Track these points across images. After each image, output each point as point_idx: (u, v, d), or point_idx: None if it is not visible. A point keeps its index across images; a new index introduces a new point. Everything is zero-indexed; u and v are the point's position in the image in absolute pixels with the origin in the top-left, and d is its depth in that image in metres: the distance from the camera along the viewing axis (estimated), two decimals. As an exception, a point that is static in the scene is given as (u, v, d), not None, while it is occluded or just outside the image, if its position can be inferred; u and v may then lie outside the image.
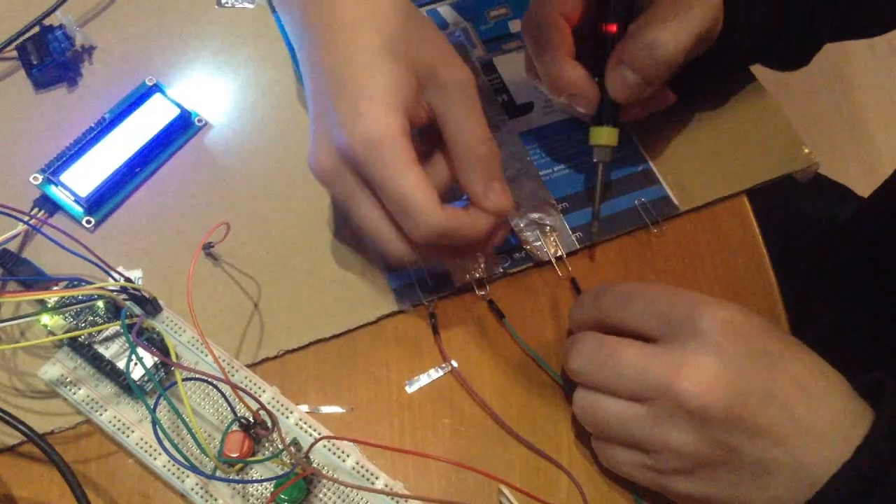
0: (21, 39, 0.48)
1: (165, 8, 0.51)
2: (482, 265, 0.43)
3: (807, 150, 0.47)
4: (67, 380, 0.39)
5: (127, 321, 0.37)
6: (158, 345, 0.39)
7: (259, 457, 0.37)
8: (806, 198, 0.66)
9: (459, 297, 0.43)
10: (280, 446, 0.36)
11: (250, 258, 0.43)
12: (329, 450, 0.38)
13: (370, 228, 0.38)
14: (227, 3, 0.51)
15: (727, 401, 0.33)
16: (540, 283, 0.44)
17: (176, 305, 0.41)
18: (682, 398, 0.33)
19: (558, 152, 0.47)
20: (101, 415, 0.39)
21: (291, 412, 0.39)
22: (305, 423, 0.39)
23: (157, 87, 0.47)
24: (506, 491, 0.38)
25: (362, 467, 0.38)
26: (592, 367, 0.36)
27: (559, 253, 0.44)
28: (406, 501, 0.37)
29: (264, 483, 0.37)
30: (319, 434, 0.38)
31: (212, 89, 0.48)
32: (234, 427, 0.37)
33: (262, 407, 0.36)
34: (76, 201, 0.44)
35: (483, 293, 0.43)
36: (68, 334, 0.39)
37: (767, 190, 0.47)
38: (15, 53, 0.48)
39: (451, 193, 0.40)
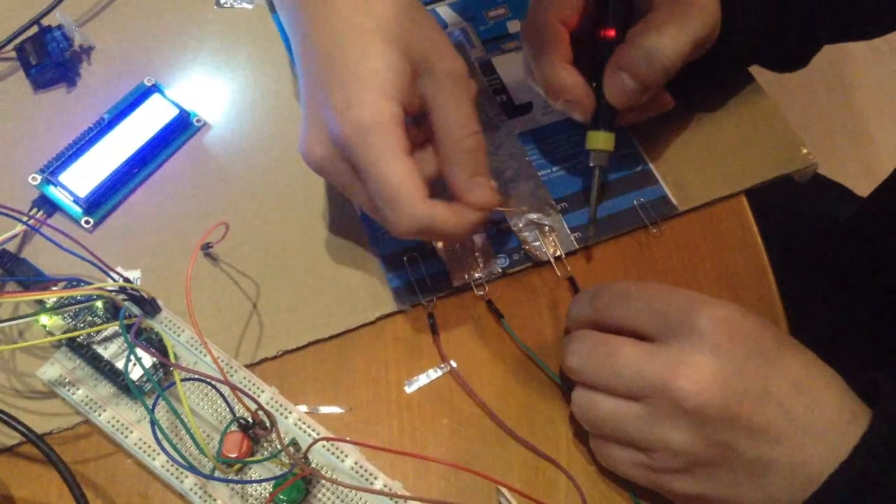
0: (19, 39, 0.48)
1: (164, 8, 0.51)
2: (481, 265, 0.43)
3: (805, 151, 0.47)
4: (66, 380, 0.39)
5: (125, 321, 0.37)
6: (157, 345, 0.39)
7: (258, 457, 0.37)
8: (805, 198, 0.66)
9: (458, 297, 0.43)
10: (279, 446, 0.36)
11: (249, 258, 0.43)
12: (328, 450, 0.38)
13: (370, 211, 0.39)
14: (225, 3, 0.51)
15: (724, 399, 0.33)
16: (539, 283, 0.44)
17: (174, 305, 0.41)
18: (678, 397, 0.33)
19: (557, 152, 0.47)
20: (99, 415, 0.39)
21: (290, 412, 0.39)
22: (304, 423, 0.39)
23: (155, 88, 0.47)
24: (505, 492, 0.38)
25: (361, 467, 0.38)
26: (590, 365, 0.36)
27: (558, 253, 0.44)
28: (405, 502, 0.37)
29: (263, 483, 0.37)
30: (318, 434, 0.38)
31: (210, 89, 0.48)
32: (233, 427, 0.37)
33: (261, 407, 0.36)
34: (75, 201, 0.44)
35: (482, 293, 0.43)
36: (67, 335, 0.39)
37: (766, 190, 0.47)
38: (13, 54, 0.48)
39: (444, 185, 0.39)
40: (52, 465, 0.35)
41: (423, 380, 0.41)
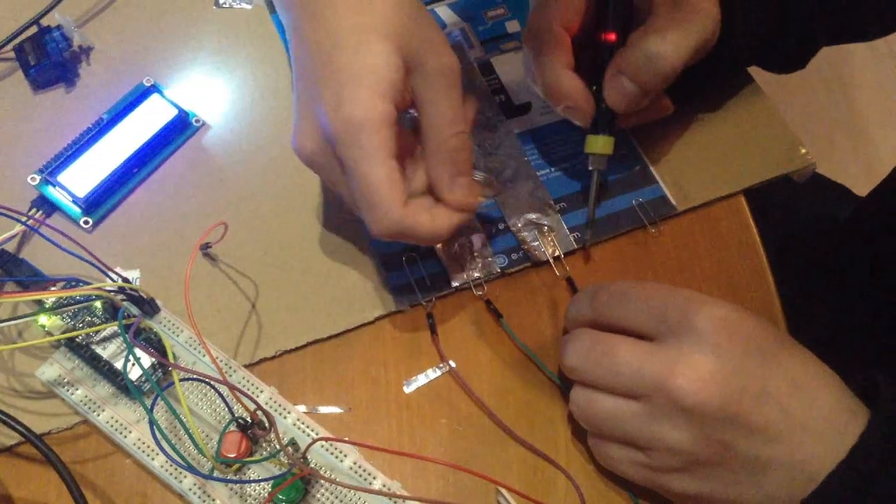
0: (18, 40, 0.48)
1: (163, 8, 0.51)
2: (479, 265, 0.43)
3: (804, 151, 0.47)
4: (65, 380, 0.39)
5: (124, 321, 0.37)
6: (156, 345, 0.39)
7: (256, 457, 0.37)
8: (804, 197, 0.66)
9: (457, 296, 0.43)
10: (277, 446, 0.36)
11: (248, 258, 0.43)
12: (327, 450, 0.38)
13: (354, 206, 0.38)
14: (224, 3, 0.51)
15: (722, 398, 0.33)
16: (538, 283, 0.44)
17: (173, 306, 0.41)
18: (677, 395, 0.33)
19: (556, 152, 0.47)
20: (98, 415, 0.39)
21: (289, 412, 0.39)
22: (303, 423, 0.39)
23: (154, 88, 0.47)
24: (504, 492, 0.38)
25: (360, 467, 0.38)
26: (588, 363, 0.36)
27: (557, 253, 0.44)
28: (404, 502, 0.37)
29: (262, 483, 0.37)
30: (317, 434, 0.38)
31: (209, 90, 0.49)
32: (232, 427, 0.37)
33: (260, 407, 0.36)
34: (74, 202, 0.44)
35: (481, 293, 0.43)
36: (66, 335, 0.39)
37: (765, 190, 0.47)
38: (12, 54, 0.48)
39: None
40: (51, 465, 0.35)
41: (421, 380, 0.41)
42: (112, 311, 0.40)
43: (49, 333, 0.40)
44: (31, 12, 0.48)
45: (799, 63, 0.49)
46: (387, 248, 0.43)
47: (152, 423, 0.34)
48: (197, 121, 0.47)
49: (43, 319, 0.39)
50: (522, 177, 0.46)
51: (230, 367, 0.40)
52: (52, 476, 0.36)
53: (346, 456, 0.38)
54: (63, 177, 0.44)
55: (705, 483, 0.35)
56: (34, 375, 0.39)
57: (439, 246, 0.43)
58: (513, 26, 0.51)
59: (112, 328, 0.39)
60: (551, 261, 0.44)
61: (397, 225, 0.36)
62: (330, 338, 0.42)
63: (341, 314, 0.42)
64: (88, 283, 0.40)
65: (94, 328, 0.39)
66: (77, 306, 0.40)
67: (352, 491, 0.37)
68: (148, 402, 0.36)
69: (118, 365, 0.39)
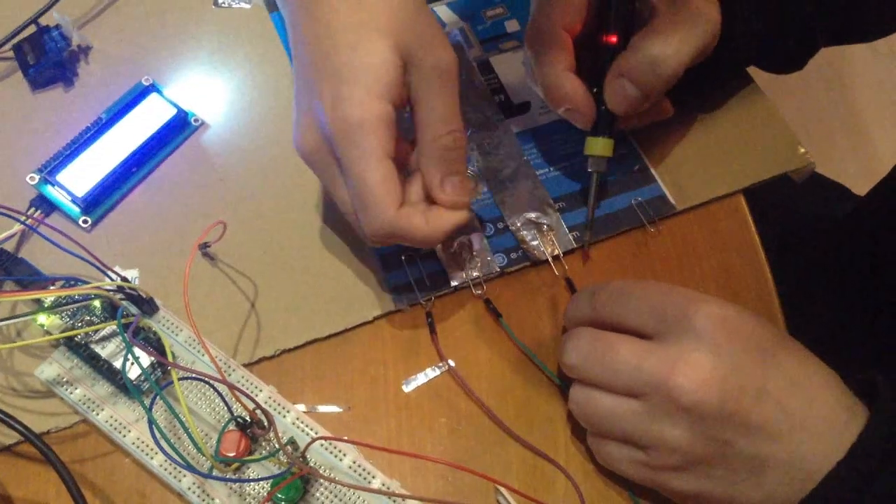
0: (17, 39, 0.48)
1: (162, 8, 0.51)
2: (479, 264, 0.43)
3: (803, 150, 0.47)
4: (64, 379, 0.39)
5: (123, 321, 0.36)
6: (155, 344, 0.39)
7: (256, 456, 0.37)
8: (803, 197, 0.66)
9: (456, 296, 0.43)
10: (277, 445, 0.36)
11: (247, 258, 0.43)
12: (326, 449, 0.38)
13: (343, 210, 0.38)
14: (223, 3, 0.51)
15: (721, 397, 0.33)
16: (537, 283, 0.44)
17: (172, 305, 0.41)
18: (676, 394, 0.33)
19: (555, 152, 0.47)
20: (97, 414, 0.39)
21: (288, 411, 0.39)
22: (302, 422, 0.39)
23: (153, 87, 0.47)
24: (503, 491, 0.38)
25: (359, 466, 0.38)
26: (588, 362, 0.36)
27: (556, 252, 0.44)
28: (403, 501, 0.37)
29: (261, 482, 0.37)
30: (316, 433, 0.38)
31: (208, 89, 0.49)
32: (231, 426, 0.37)
33: (259, 406, 0.36)
34: (73, 201, 0.44)
35: (480, 292, 0.43)
36: (65, 334, 0.39)
37: (765, 189, 0.47)
38: (11, 53, 0.48)
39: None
40: (50, 465, 0.35)
41: (421, 379, 0.41)
42: (111, 311, 0.40)
43: (48, 332, 0.40)
44: (29, 12, 0.48)
45: (798, 64, 0.49)
46: (386, 247, 0.43)
47: (151, 422, 0.34)
48: (196, 120, 0.47)
49: (42, 319, 0.39)
50: (522, 176, 0.46)
51: (229, 367, 0.40)
52: (52, 475, 0.36)
53: (345, 455, 0.38)
54: (62, 176, 0.44)
55: (704, 482, 0.35)
56: (33, 375, 0.39)
57: (438, 245, 0.43)
58: (512, 26, 0.51)
59: (111, 327, 0.39)
60: (550, 260, 0.44)
61: (390, 226, 0.36)
62: (329, 337, 0.42)
63: (340, 313, 0.42)
64: (87, 283, 0.40)
65: (92, 327, 0.39)
66: (76, 305, 0.40)
67: (351, 490, 0.37)
68: (147, 402, 0.36)
69: (117, 364, 0.39)
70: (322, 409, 0.40)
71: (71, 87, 0.48)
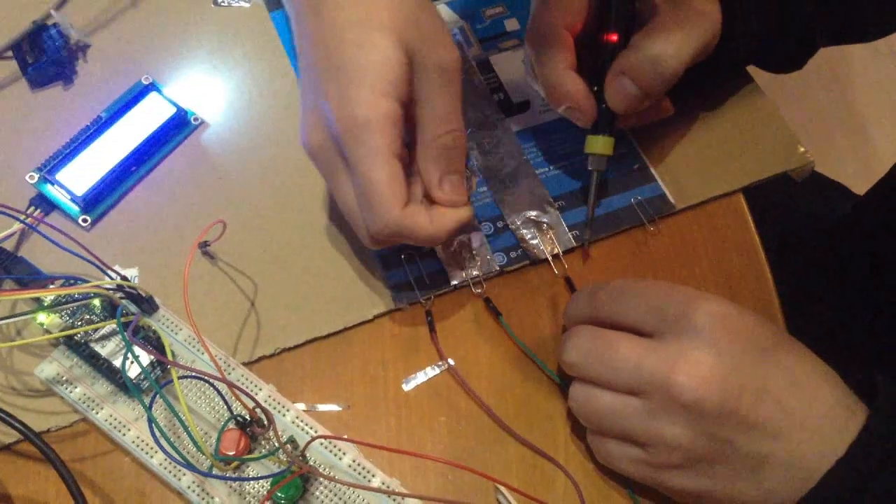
0: (17, 38, 0.48)
1: (161, 6, 0.51)
2: (478, 263, 0.43)
3: (802, 149, 0.47)
4: (64, 378, 0.39)
5: (123, 319, 0.36)
6: (154, 343, 0.39)
7: (255, 454, 0.37)
8: (803, 196, 0.66)
9: (456, 295, 0.43)
10: (276, 444, 0.36)
11: (247, 256, 0.43)
12: (325, 447, 0.38)
13: (345, 209, 0.38)
14: (223, 2, 0.51)
15: (721, 395, 0.33)
16: (537, 281, 0.44)
17: (172, 304, 0.41)
18: (676, 392, 0.33)
19: (555, 150, 0.47)
20: (97, 413, 0.39)
21: (288, 410, 0.39)
22: (302, 420, 0.39)
23: (153, 86, 0.47)
24: (503, 489, 0.38)
25: (359, 465, 0.38)
26: (588, 360, 0.36)
27: (556, 251, 0.44)
28: (403, 499, 0.37)
29: (260, 481, 0.37)
30: (316, 432, 0.38)
31: (208, 88, 0.48)
32: (231, 425, 0.37)
33: (259, 405, 0.36)
34: (72, 200, 0.44)
35: (479, 291, 0.43)
36: (64, 332, 0.39)
37: (764, 188, 0.47)
38: (10, 52, 0.48)
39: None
40: (50, 463, 0.35)
41: (420, 378, 0.41)
42: (111, 309, 0.40)
43: (48, 331, 0.40)
44: (28, 11, 0.48)
45: (797, 63, 0.49)
46: (385, 248, 0.43)
47: (151, 420, 0.34)
48: (195, 119, 0.47)
49: (41, 317, 0.39)
50: (521, 175, 0.46)
51: (229, 365, 0.40)
52: (51, 474, 0.36)
53: (344, 454, 0.38)
54: (61, 175, 0.44)
55: (704, 480, 0.35)
56: (33, 373, 0.39)
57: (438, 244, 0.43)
58: (511, 24, 0.51)
59: (111, 326, 0.39)
60: (550, 259, 0.44)
61: (395, 226, 0.36)
62: (329, 336, 0.42)
63: (340, 312, 0.42)
64: (87, 281, 0.40)
65: (92, 326, 0.39)
66: (76, 304, 0.40)
67: (351, 488, 0.37)
68: (147, 400, 0.36)
69: (117, 363, 0.39)
70: (322, 407, 0.40)
71: (70, 86, 0.48)
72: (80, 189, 0.44)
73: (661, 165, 0.47)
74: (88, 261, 0.39)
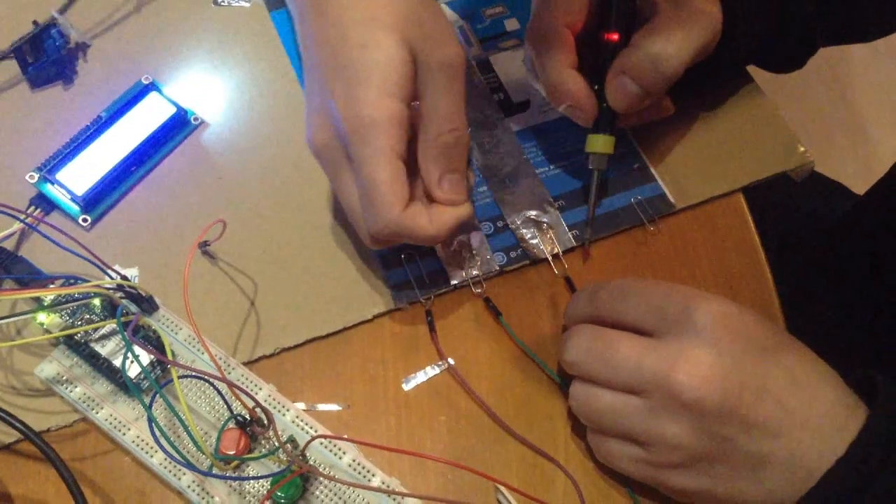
0: (17, 39, 0.48)
1: (161, 6, 0.51)
2: (478, 262, 0.43)
3: (802, 149, 0.47)
4: (64, 378, 0.39)
5: (123, 319, 0.36)
6: (154, 343, 0.39)
7: (255, 454, 0.37)
8: (803, 196, 0.66)
9: (456, 294, 0.43)
10: (276, 444, 0.36)
11: (247, 256, 0.43)
12: (325, 447, 0.38)
13: (348, 209, 0.39)
14: (223, 1, 0.51)
15: (722, 394, 0.33)
16: (537, 281, 0.44)
17: (172, 303, 0.41)
18: (677, 390, 0.33)
19: (555, 150, 0.47)
20: (97, 413, 0.39)
21: (288, 410, 0.39)
22: (302, 420, 0.39)
23: (153, 86, 0.47)
24: (503, 489, 0.38)
25: (359, 464, 0.38)
26: (589, 358, 0.36)
27: (556, 250, 0.44)
28: (403, 499, 0.37)
29: (260, 480, 0.37)
30: (316, 431, 0.38)
31: (208, 88, 0.49)
32: (231, 424, 0.37)
33: (258, 404, 0.36)
34: (72, 199, 0.44)
35: (479, 291, 0.43)
36: (64, 332, 0.39)
37: (764, 188, 0.47)
38: (11, 52, 0.48)
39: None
40: (50, 463, 0.35)
41: (420, 377, 0.41)
42: (111, 309, 0.40)
43: (48, 331, 0.40)
44: (27, 10, 0.48)
45: (797, 63, 0.49)
46: (385, 249, 0.43)
47: (151, 420, 0.34)
48: (195, 119, 0.47)
49: (42, 317, 0.39)
50: (521, 174, 0.46)
51: (229, 365, 0.40)
52: (51, 473, 0.36)
53: (344, 453, 0.38)
54: (62, 175, 0.44)
55: (704, 479, 0.35)
56: (33, 373, 0.39)
57: (438, 244, 0.43)
58: (511, 24, 0.51)
59: (111, 326, 0.39)
60: (550, 259, 0.44)
61: (395, 226, 0.36)
62: (329, 335, 0.42)
63: (340, 312, 0.42)
64: (87, 281, 0.40)
65: (92, 325, 0.39)
66: (76, 304, 0.40)
67: (350, 488, 0.37)
68: (147, 400, 0.36)
69: (117, 362, 0.39)
70: (322, 407, 0.40)
71: (70, 86, 0.48)
72: (81, 189, 0.44)
73: (660, 165, 0.47)
74: (88, 260, 0.39)
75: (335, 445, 0.38)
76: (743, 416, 0.33)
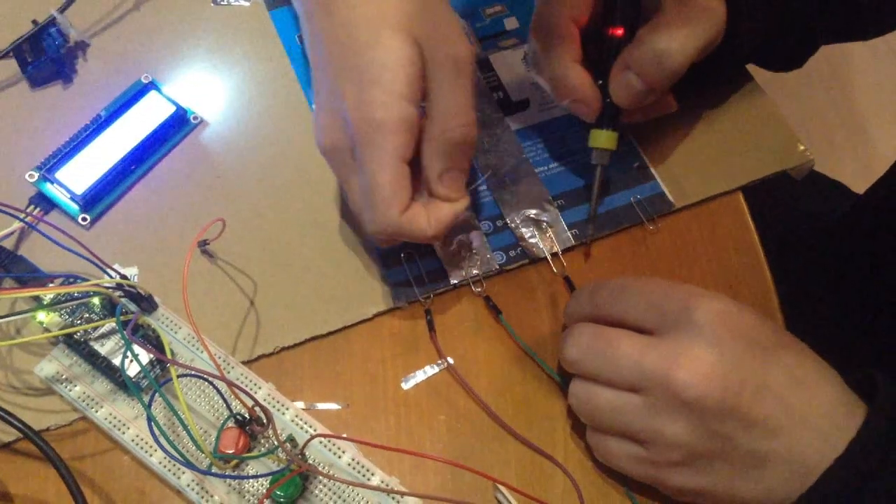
0: (17, 38, 0.48)
1: (161, 5, 0.51)
2: (478, 262, 0.43)
3: (802, 147, 0.47)
4: (63, 377, 0.39)
5: (122, 318, 0.37)
6: (154, 342, 0.39)
7: (254, 453, 0.37)
8: (803, 195, 0.66)
9: (455, 293, 0.43)
10: (275, 443, 0.36)
11: (246, 255, 0.43)
12: (325, 446, 0.38)
13: (355, 208, 0.39)
14: (222, 0, 0.51)
15: (722, 392, 0.33)
16: (536, 280, 0.44)
17: (171, 302, 0.41)
18: (677, 388, 0.33)
19: (554, 149, 0.47)
20: (96, 412, 0.39)
21: (287, 409, 0.39)
22: (301, 419, 0.39)
23: (152, 85, 0.47)
24: (502, 488, 0.38)
25: (358, 463, 0.38)
26: (589, 356, 0.36)
27: (555, 249, 0.44)
28: (402, 498, 0.37)
29: (260, 479, 0.37)
30: (315, 430, 0.38)
31: (207, 87, 0.48)
32: (230, 423, 0.37)
33: (258, 403, 0.36)
34: (72, 199, 0.44)
35: (479, 290, 0.43)
36: (64, 331, 0.39)
37: (764, 187, 0.47)
38: (10, 51, 0.48)
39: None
40: (50, 462, 0.35)
41: (420, 376, 0.41)
42: (110, 308, 0.40)
43: (47, 330, 0.40)
44: (27, 10, 0.48)
45: (798, 62, 0.49)
46: (387, 245, 0.43)
47: (150, 419, 0.34)
48: (195, 118, 0.47)
49: (41, 316, 0.39)
50: (521, 173, 0.46)
51: (228, 364, 0.40)
52: (51, 472, 0.36)
53: (344, 452, 0.38)
54: (61, 174, 0.44)
55: (705, 477, 0.35)
56: (32, 372, 0.39)
57: (437, 243, 0.43)
58: (511, 23, 0.51)
59: (110, 325, 0.39)
60: (549, 258, 0.44)
61: (394, 228, 0.37)
62: (328, 334, 0.42)
63: (339, 311, 0.42)
64: (86, 280, 0.40)
65: (92, 325, 0.39)
66: (75, 303, 0.40)
67: (350, 487, 0.37)
68: (146, 399, 0.36)
69: (116, 361, 0.39)
70: (321, 406, 0.40)
71: (70, 85, 0.48)
72: (80, 188, 0.44)
73: (660, 164, 0.47)
74: (88, 259, 0.39)
75: (334, 444, 0.38)
76: (743, 414, 0.33)
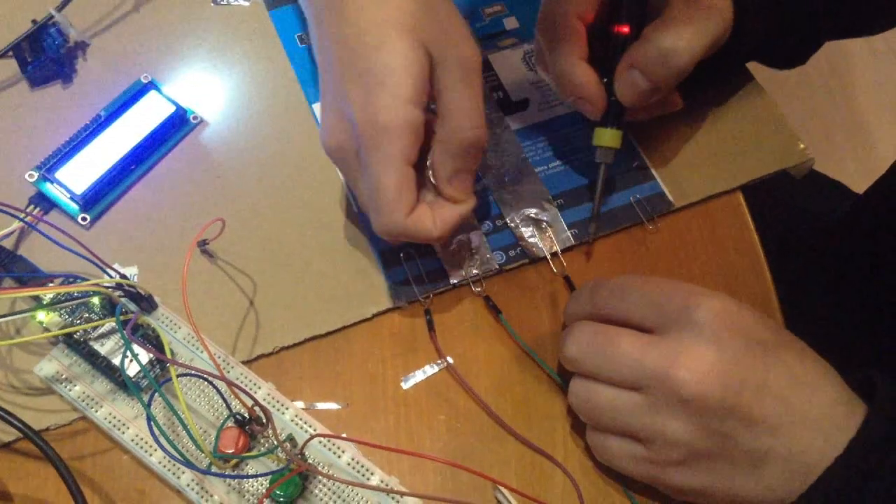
0: (16, 37, 0.48)
1: (161, 5, 0.51)
2: (478, 261, 0.43)
3: (802, 146, 0.47)
4: (63, 376, 0.39)
5: (122, 318, 0.37)
6: (153, 341, 0.39)
7: (254, 452, 0.37)
8: (802, 195, 0.66)
9: (455, 293, 0.43)
10: (275, 442, 0.36)
11: (246, 255, 0.43)
12: (324, 445, 0.38)
13: (363, 207, 0.39)
14: (222, 0, 0.51)
15: (723, 390, 0.33)
16: (536, 280, 0.44)
17: (171, 302, 0.41)
18: (678, 387, 0.33)
19: (554, 149, 0.47)
20: (96, 411, 0.39)
21: (287, 408, 0.39)
22: (301, 419, 0.39)
23: (152, 85, 0.47)
24: (502, 489, 0.38)
25: (357, 463, 0.38)
26: (589, 354, 0.36)
27: (555, 249, 0.44)
28: (402, 498, 0.37)
29: (259, 479, 0.37)
30: (315, 430, 0.38)
31: (207, 87, 0.48)
32: (230, 423, 0.37)
33: (257, 403, 0.36)
34: (72, 198, 0.44)
35: (479, 289, 0.43)
36: (64, 331, 0.39)
37: (764, 186, 0.47)
38: (10, 51, 0.48)
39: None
40: (50, 462, 0.35)
41: (419, 376, 0.41)
42: (110, 308, 0.40)
43: (47, 330, 0.40)
44: (28, 11, 0.48)
45: (801, 59, 0.49)
46: (385, 244, 0.43)
47: (150, 419, 0.34)
48: (194, 118, 0.47)
49: (41, 316, 0.39)
50: (520, 173, 0.46)
51: (228, 364, 0.40)
52: (51, 472, 0.36)
53: (343, 452, 0.38)
54: (61, 173, 0.44)
55: (705, 476, 0.35)
56: (32, 372, 0.39)
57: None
58: (510, 23, 0.51)
59: (110, 324, 0.39)
60: (549, 257, 0.44)
61: (400, 231, 0.37)
62: (328, 334, 0.42)
63: (339, 311, 0.42)
64: (86, 280, 0.40)
65: (91, 324, 0.39)
66: (75, 302, 0.40)
67: (349, 486, 0.37)
68: (146, 399, 0.36)
69: (116, 361, 0.39)
70: (320, 405, 0.40)
71: (69, 85, 0.48)
72: (80, 187, 0.44)
73: (660, 163, 0.47)
74: (88, 259, 0.39)
75: (334, 444, 0.38)
76: (743, 412, 0.33)
